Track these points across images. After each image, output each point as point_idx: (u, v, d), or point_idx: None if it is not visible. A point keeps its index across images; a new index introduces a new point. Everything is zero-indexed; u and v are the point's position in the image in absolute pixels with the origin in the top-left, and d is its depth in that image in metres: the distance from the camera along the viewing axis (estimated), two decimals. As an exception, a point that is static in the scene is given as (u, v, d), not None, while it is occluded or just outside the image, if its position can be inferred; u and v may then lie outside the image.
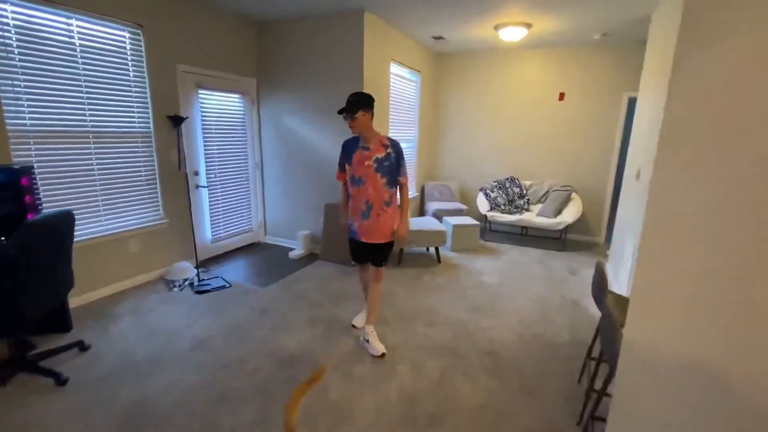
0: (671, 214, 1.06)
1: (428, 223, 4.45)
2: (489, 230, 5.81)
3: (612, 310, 1.47)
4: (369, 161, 2.44)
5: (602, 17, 3.92)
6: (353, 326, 2.88)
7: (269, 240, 4.98)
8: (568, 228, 5.01)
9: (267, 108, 4.62)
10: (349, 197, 2.59)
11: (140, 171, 3.50)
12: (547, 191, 5.42)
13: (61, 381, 2.20)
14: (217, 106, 4.17)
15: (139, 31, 3.34)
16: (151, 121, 3.51)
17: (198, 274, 3.69)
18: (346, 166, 2.55)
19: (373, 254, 2.62)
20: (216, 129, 4.18)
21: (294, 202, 4.70)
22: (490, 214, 5.28)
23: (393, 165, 2.48)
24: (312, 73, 4.23)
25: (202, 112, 3.98)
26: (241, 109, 4.48)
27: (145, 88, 3.44)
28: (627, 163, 4.04)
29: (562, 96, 5.29)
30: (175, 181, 3.77)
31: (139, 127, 3.45)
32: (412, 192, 5.70)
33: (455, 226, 4.80)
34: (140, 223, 3.52)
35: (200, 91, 3.93)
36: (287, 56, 4.33)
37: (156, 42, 3.45)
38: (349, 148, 2.53)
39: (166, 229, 3.74)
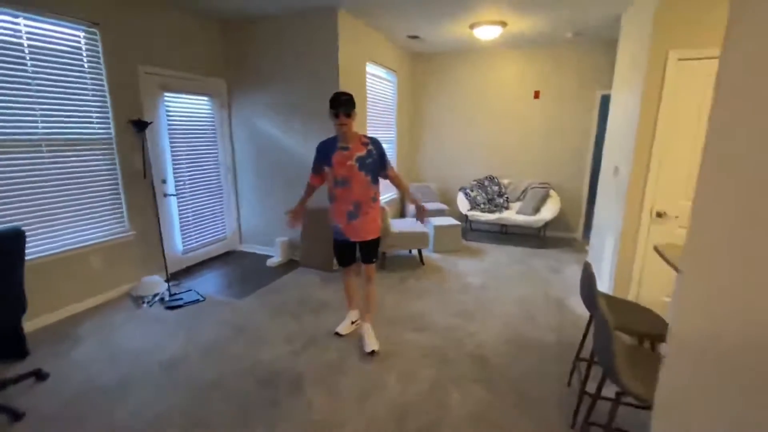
0: (727, 195, 0.87)
1: (410, 225, 4.38)
2: (470, 230, 5.80)
3: (605, 312, 1.42)
4: (351, 161, 2.39)
5: (574, 16, 3.95)
6: (337, 334, 2.77)
7: (245, 248, 4.78)
8: (546, 225, 5.05)
9: (239, 110, 4.43)
10: (331, 199, 2.53)
11: (101, 180, 3.26)
12: (526, 189, 5.45)
13: (16, 416, 1.99)
14: (185, 109, 3.95)
15: (96, 30, 3.10)
16: (111, 126, 3.28)
17: (169, 289, 3.47)
18: (325, 169, 2.49)
19: (363, 252, 2.62)
20: (184, 133, 3.96)
21: (270, 208, 4.52)
22: (470, 214, 5.26)
23: (376, 162, 2.47)
24: (285, 74, 4.07)
25: (169, 115, 3.76)
26: (210, 112, 4.27)
27: (104, 91, 3.20)
28: (603, 160, 4.09)
29: (537, 94, 5.34)
30: (141, 189, 3.53)
31: (99, 133, 3.21)
32: (392, 194, 5.61)
33: (437, 227, 4.74)
34: (103, 237, 3.28)
35: (165, 94, 3.71)
36: (258, 56, 4.16)
37: (115, 42, 3.22)
38: (326, 150, 2.47)
39: (132, 241, 3.51)
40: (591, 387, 2.15)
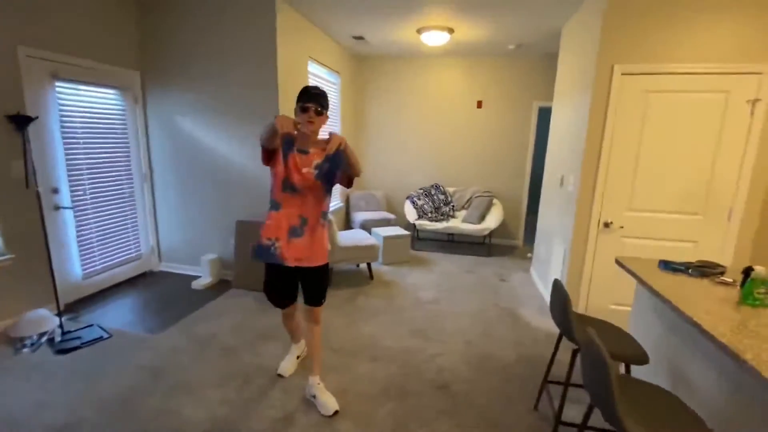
0: None
1: (359, 236, 4.08)
2: (417, 238, 5.67)
3: (600, 346, 1.26)
4: (308, 168, 1.95)
5: (518, 28, 3.99)
6: (279, 375, 2.37)
7: (165, 268, 4.12)
8: (491, 233, 5.08)
9: (156, 108, 3.79)
10: (273, 205, 1.99)
11: (-40, 191, 2.51)
12: (471, 197, 5.45)
13: None
14: (85, 103, 3.26)
15: (-49, -3, 2.39)
16: (-24, 121, 2.55)
17: (61, 325, 2.78)
18: (279, 161, 1.95)
19: (305, 285, 2.09)
20: (84, 133, 3.26)
21: (196, 221, 3.93)
22: (418, 223, 5.12)
23: (331, 166, 2.00)
24: (214, 67, 3.56)
25: (62, 111, 3.06)
26: (120, 108, 3.60)
27: (-37, 75, 2.48)
28: (546, 170, 4.17)
29: (480, 104, 5.38)
30: (22, 201, 2.81)
31: (-44, 130, 2.47)
32: (338, 202, 5.28)
33: (386, 238, 4.51)
34: (-37, 264, 2.52)
35: (57, 84, 3.01)
36: (181, 45, 3.60)
37: (-20, 13, 2.52)
38: (287, 142, 1.97)
39: (9, 267, 2.76)
40: (572, 415, 2.03)
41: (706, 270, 1.89)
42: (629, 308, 2.88)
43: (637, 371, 2.05)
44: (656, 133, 2.77)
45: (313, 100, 1.87)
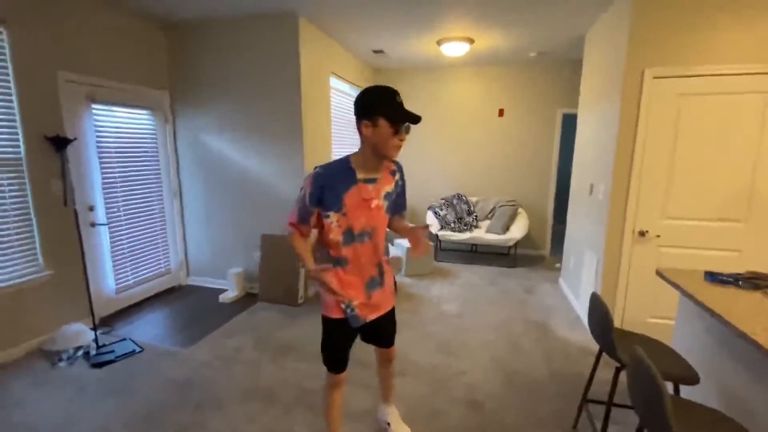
0: None
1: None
2: (439, 249, 5.59)
3: (645, 359, 1.18)
4: (378, 200, 1.52)
5: (539, 36, 3.94)
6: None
7: (193, 282, 4.20)
8: (516, 243, 4.95)
9: (184, 126, 3.92)
10: (337, 263, 1.54)
11: (5, 210, 2.64)
12: (494, 207, 5.36)
13: None
14: (119, 124, 3.40)
15: (1, 29, 2.55)
16: (21, 144, 2.69)
17: (96, 339, 2.86)
18: (329, 218, 1.49)
19: (381, 331, 1.77)
20: (118, 153, 3.40)
21: (222, 236, 4.00)
22: (441, 233, 5.05)
23: (399, 197, 1.68)
24: (239, 86, 3.66)
25: (98, 132, 3.20)
26: (151, 127, 3.74)
27: (11, 101, 2.62)
28: (573, 178, 4.06)
29: (501, 112, 5.32)
30: (61, 219, 2.93)
31: (4, 153, 2.61)
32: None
33: (410, 250, 4.46)
34: (7, 280, 2.63)
35: (94, 107, 3.16)
36: (208, 66, 3.72)
37: (26, 42, 2.67)
38: (333, 185, 1.45)
39: (48, 282, 2.87)
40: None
41: (758, 282, 1.77)
42: (669, 322, 2.73)
43: (686, 392, 1.92)
44: (691, 137, 2.65)
45: (413, 117, 1.39)
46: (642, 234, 2.83)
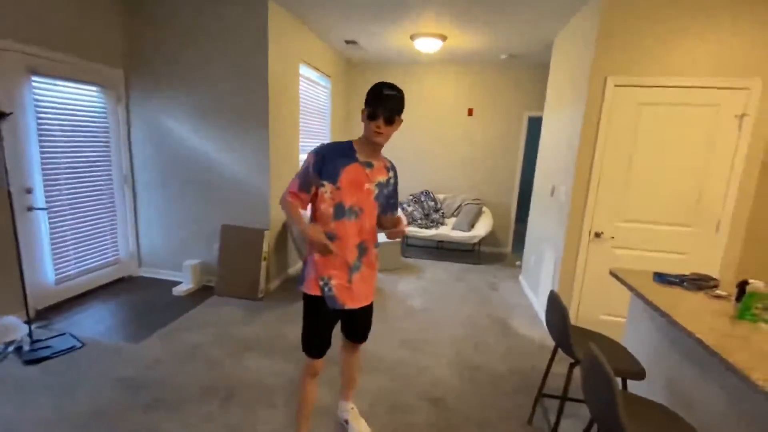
0: None
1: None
2: (406, 245, 5.61)
3: (599, 356, 1.22)
4: (370, 184, 1.61)
5: (510, 38, 4.01)
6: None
7: (145, 273, 3.95)
8: (480, 240, 5.06)
9: (139, 107, 3.65)
10: (330, 237, 1.60)
11: None
12: (460, 205, 5.44)
13: None
14: (64, 100, 3.11)
15: None
16: (-57, 115, 2.39)
17: (30, 333, 2.61)
18: (324, 187, 1.58)
19: (356, 324, 1.83)
20: (62, 132, 3.11)
21: (178, 225, 3.79)
22: (408, 230, 5.06)
23: (390, 195, 1.74)
24: (202, 67, 3.45)
25: (39, 107, 2.91)
26: (102, 106, 3.45)
27: (-70, 66, 2.32)
28: (536, 179, 4.18)
29: (471, 112, 5.39)
30: (-9, 202, 2.64)
31: None
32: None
33: (378, 245, 4.43)
34: (-77, 268, 2.34)
35: (34, 79, 2.86)
36: (169, 44, 3.48)
37: (-49, 1, 2.37)
38: (335, 158, 1.58)
39: (-26, 271, 2.59)
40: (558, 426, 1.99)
41: (701, 283, 1.89)
42: (620, 319, 2.88)
43: (633, 386, 2.02)
44: (648, 145, 2.80)
45: (387, 105, 1.49)
46: (597, 235, 2.96)
